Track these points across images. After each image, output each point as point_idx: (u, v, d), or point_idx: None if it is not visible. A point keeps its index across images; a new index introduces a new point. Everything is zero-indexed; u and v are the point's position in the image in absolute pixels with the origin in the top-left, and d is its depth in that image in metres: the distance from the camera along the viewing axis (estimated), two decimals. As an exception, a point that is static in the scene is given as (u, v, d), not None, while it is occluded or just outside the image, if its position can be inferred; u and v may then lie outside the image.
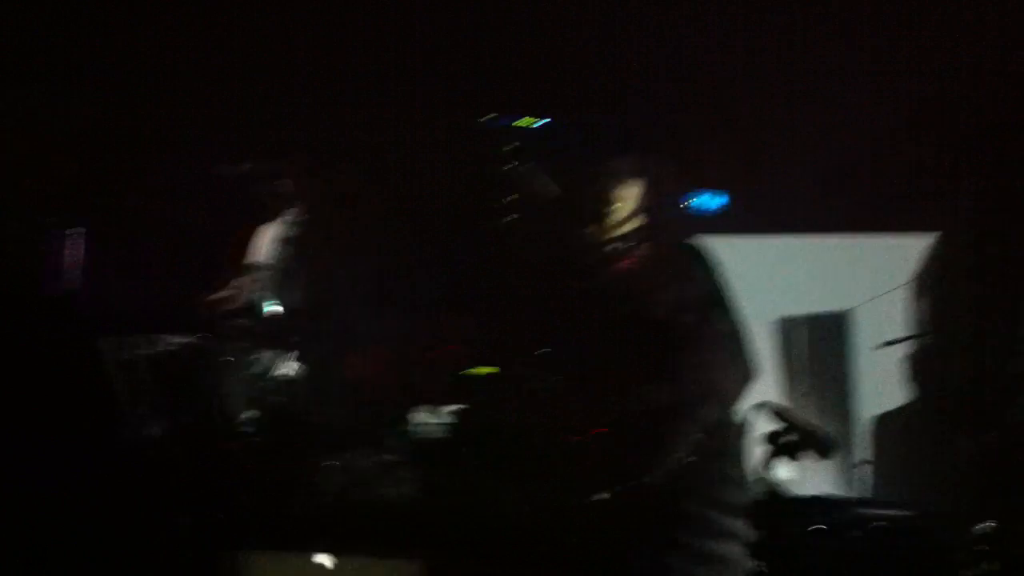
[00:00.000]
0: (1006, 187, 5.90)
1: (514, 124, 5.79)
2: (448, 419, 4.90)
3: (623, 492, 3.93)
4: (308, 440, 4.72)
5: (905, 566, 4.40)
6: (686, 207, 5.96)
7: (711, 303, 4.16)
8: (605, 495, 3.93)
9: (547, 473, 4.16)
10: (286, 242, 5.23)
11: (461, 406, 4.86)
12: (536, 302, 4.39)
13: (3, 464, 4.40)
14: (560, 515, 4.08)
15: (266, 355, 4.97)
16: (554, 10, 5.79)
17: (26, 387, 4.68)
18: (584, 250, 4.21)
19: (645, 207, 4.25)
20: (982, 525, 4.44)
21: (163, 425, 4.72)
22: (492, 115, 5.75)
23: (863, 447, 6.31)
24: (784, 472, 4.33)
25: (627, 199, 4.21)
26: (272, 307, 5.14)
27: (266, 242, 5.30)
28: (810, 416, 5.45)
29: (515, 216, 5.38)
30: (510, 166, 5.48)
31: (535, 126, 5.83)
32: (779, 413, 4.37)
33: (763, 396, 4.39)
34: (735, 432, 4.14)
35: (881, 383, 6.40)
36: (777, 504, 4.33)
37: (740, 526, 3.98)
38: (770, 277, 6.36)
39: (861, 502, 5.28)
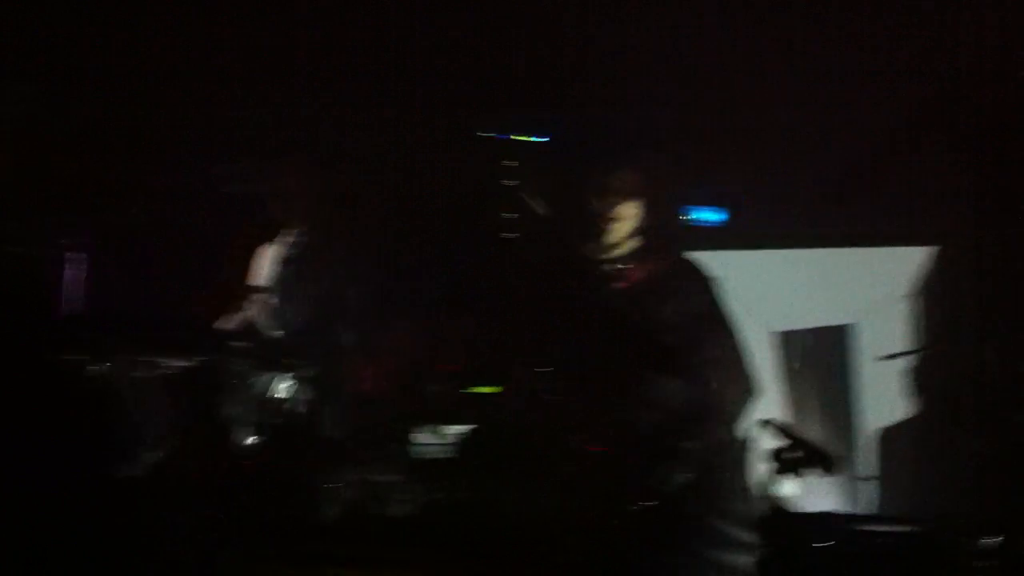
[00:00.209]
0: (1007, 190, 5.88)
1: (513, 138, 5.78)
2: (451, 435, 4.88)
3: (628, 508, 3.91)
4: (312, 458, 4.69)
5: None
6: (686, 221, 5.94)
7: (712, 317, 4.15)
8: (610, 510, 3.92)
9: (552, 488, 4.14)
10: (287, 259, 5.22)
11: (465, 422, 4.84)
12: (538, 317, 4.38)
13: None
14: (566, 530, 4.07)
15: (268, 374, 4.94)
16: (553, 20, 5.78)
17: (24, 409, 4.66)
18: (584, 266, 4.20)
19: (645, 221, 4.24)
20: (989, 539, 4.41)
21: (164, 447, 4.69)
22: (492, 130, 5.75)
23: (867, 462, 6.28)
24: (789, 489, 4.30)
25: (627, 214, 4.20)
26: (273, 325, 5.13)
27: (267, 259, 5.28)
28: (814, 431, 5.44)
29: (515, 232, 5.37)
30: (510, 181, 5.48)
31: (534, 140, 5.82)
32: (783, 429, 4.34)
33: (766, 412, 4.37)
34: (739, 449, 4.13)
35: (884, 395, 6.38)
36: (782, 521, 4.30)
37: (746, 543, 3.96)
38: (771, 290, 6.34)
39: (867, 518, 5.25)
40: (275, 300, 5.19)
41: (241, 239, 5.21)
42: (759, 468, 4.23)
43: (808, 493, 4.62)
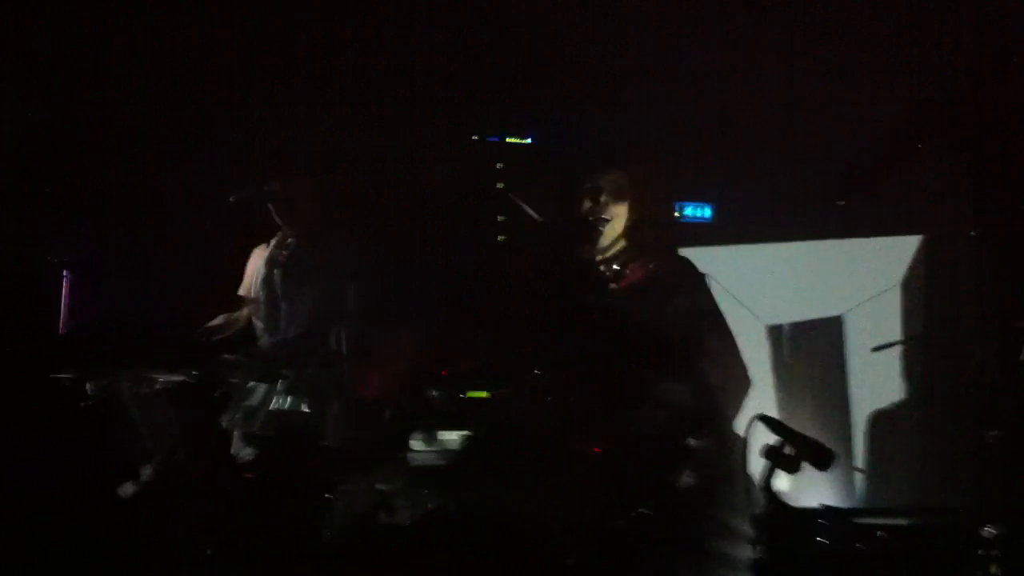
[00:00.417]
0: (1002, 186, 5.89)
1: (505, 141, 5.78)
2: (451, 440, 4.87)
3: (629, 508, 3.91)
4: (309, 468, 4.68)
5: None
6: (676, 219, 5.94)
7: (706, 315, 4.14)
8: (612, 511, 3.91)
9: (553, 490, 4.13)
10: (285, 265, 5.19)
11: (464, 427, 4.84)
12: (534, 320, 4.37)
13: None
14: (568, 531, 4.06)
15: (262, 386, 4.93)
16: (542, 23, 5.77)
17: (18, 424, 4.65)
18: (578, 267, 4.19)
19: (636, 221, 4.23)
20: (986, 529, 4.39)
21: (166, 456, 4.68)
22: (483, 132, 5.74)
23: (862, 455, 6.28)
24: (783, 485, 4.28)
25: (618, 214, 4.19)
26: (272, 332, 5.11)
27: (260, 267, 5.27)
28: (807, 425, 5.42)
29: (509, 234, 5.37)
30: (501, 184, 5.47)
31: (525, 143, 5.81)
32: (776, 425, 4.32)
33: (759, 408, 4.36)
34: (736, 445, 4.11)
35: (877, 387, 6.38)
36: (777, 517, 4.27)
37: (744, 539, 3.95)
38: (761, 285, 6.34)
39: (862, 511, 5.24)
40: (274, 307, 5.17)
41: (241, 247, 5.20)
42: (754, 464, 4.22)
43: (803, 488, 4.62)
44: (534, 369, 4.26)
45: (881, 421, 6.35)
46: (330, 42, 5.90)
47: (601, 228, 4.18)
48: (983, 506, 4.73)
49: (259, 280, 5.20)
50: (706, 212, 6.36)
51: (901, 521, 4.49)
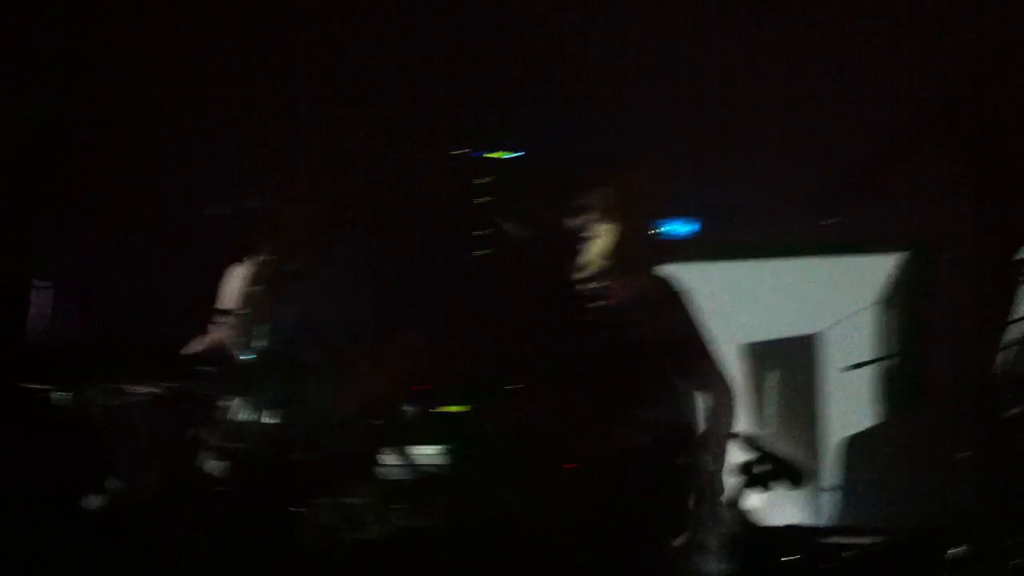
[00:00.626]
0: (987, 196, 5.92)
1: (488, 155, 5.78)
2: (427, 456, 4.88)
3: (605, 522, 3.94)
4: (289, 482, 4.68)
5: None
6: (658, 234, 5.96)
7: (689, 332, 4.18)
8: (588, 525, 3.94)
9: (531, 505, 4.15)
10: (263, 280, 5.19)
11: (440, 443, 4.85)
12: (515, 335, 4.38)
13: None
14: (544, 546, 4.08)
15: (245, 400, 4.92)
16: (526, 35, 5.79)
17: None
18: (561, 283, 4.21)
19: (620, 238, 4.26)
20: (954, 550, 4.46)
21: (143, 470, 4.67)
22: (466, 147, 5.74)
23: (835, 473, 6.31)
24: (757, 502, 4.33)
25: (602, 230, 4.21)
26: (250, 351, 5.09)
27: (242, 280, 5.26)
28: (782, 443, 5.46)
29: (491, 249, 5.37)
30: (484, 199, 5.48)
31: (509, 157, 5.82)
32: (751, 442, 4.37)
33: (736, 425, 4.40)
34: (714, 463, 4.15)
35: (852, 406, 6.41)
36: (750, 534, 4.33)
37: (713, 557, 3.99)
38: (739, 301, 6.36)
39: (834, 530, 5.29)
40: (254, 322, 5.16)
41: (228, 257, 5.19)
42: (728, 481, 4.26)
43: (777, 506, 4.66)
44: (513, 383, 4.28)
45: (853, 441, 6.38)
46: (318, 48, 5.90)
47: (586, 245, 4.20)
48: (954, 526, 4.77)
49: (240, 295, 5.19)
50: (690, 228, 6.38)
51: (869, 541, 4.55)
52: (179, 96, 5.77)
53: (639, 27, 5.91)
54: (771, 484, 4.28)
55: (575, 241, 4.21)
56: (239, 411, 4.83)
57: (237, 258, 5.26)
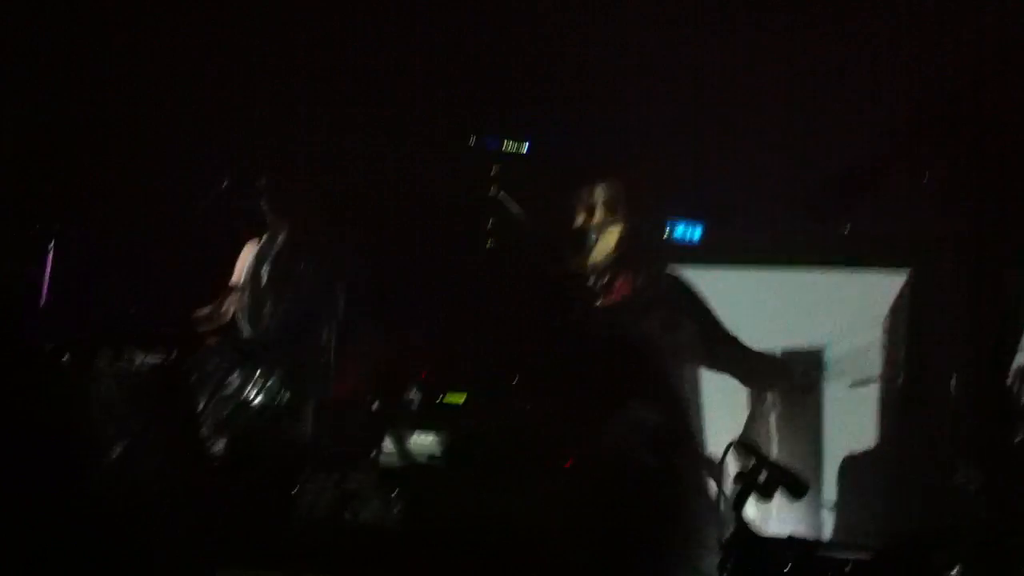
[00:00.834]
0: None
1: (498, 148, 5.76)
2: (426, 442, 4.85)
3: (598, 520, 3.90)
4: (287, 462, 4.65)
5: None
6: (664, 237, 5.92)
7: (709, 319, 4.16)
8: (580, 523, 3.90)
9: (526, 499, 4.12)
10: (267, 261, 5.18)
11: (439, 430, 4.82)
12: (517, 328, 4.36)
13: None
14: (537, 542, 4.05)
15: (242, 377, 4.91)
16: (536, 37, 5.76)
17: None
18: (565, 279, 4.19)
19: (625, 235, 4.23)
20: (956, 567, 4.40)
21: (138, 446, 4.65)
22: (475, 138, 5.72)
23: (836, 487, 6.26)
24: (755, 512, 4.27)
25: (609, 228, 4.19)
26: (251, 325, 5.09)
27: (247, 261, 5.25)
28: (782, 454, 5.42)
29: (496, 242, 5.35)
30: (492, 191, 5.45)
31: (518, 150, 5.79)
32: (751, 452, 4.32)
33: (734, 434, 4.35)
34: (707, 470, 4.11)
35: (854, 420, 6.37)
36: (749, 543, 4.27)
37: (711, 564, 3.94)
38: (743, 311, 6.32)
39: (829, 544, 5.23)
40: (258, 300, 5.16)
41: (226, 240, 5.18)
42: (727, 491, 4.21)
43: (775, 516, 4.60)
44: (514, 376, 4.26)
45: (854, 454, 6.34)
46: (325, 43, 5.89)
47: (592, 241, 4.18)
48: (953, 541, 4.72)
49: (247, 272, 5.20)
50: (696, 233, 6.33)
51: (867, 555, 4.49)
52: (181, 95, 5.75)
53: (641, 30, 5.88)
54: (770, 494, 4.23)
55: (579, 238, 4.18)
56: (238, 387, 4.82)
57: (242, 240, 5.26)
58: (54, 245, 5.11)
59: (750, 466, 4.23)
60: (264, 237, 5.27)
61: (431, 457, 4.84)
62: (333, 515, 4.58)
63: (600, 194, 4.25)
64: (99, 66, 5.69)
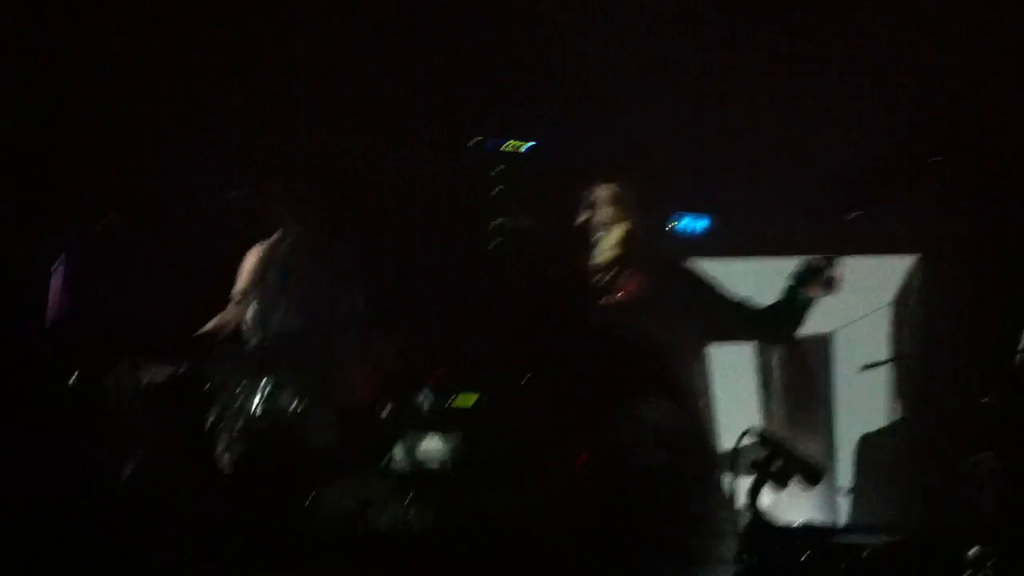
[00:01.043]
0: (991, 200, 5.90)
1: (501, 148, 5.76)
2: (437, 444, 4.86)
3: (610, 517, 3.90)
4: (299, 467, 4.66)
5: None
6: (670, 230, 5.92)
7: (718, 293, 4.16)
8: (593, 519, 3.91)
9: (535, 497, 4.12)
10: (275, 266, 5.18)
11: (452, 432, 4.83)
12: (526, 327, 4.36)
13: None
14: (549, 540, 4.05)
15: (256, 382, 4.91)
16: (539, 34, 5.77)
17: (13, 416, 4.63)
18: (573, 276, 4.18)
19: (631, 231, 4.23)
20: (973, 550, 4.39)
21: (150, 455, 4.66)
22: (479, 138, 5.72)
23: (851, 472, 6.27)
24: (771, 499, 4.27)
25: (613, 223, 4.18)
26: (262, 332, 5.08)
27: (255, 266, 5.25)
28: (796, 441, 5.41)
29: (503, 240, 5.35)
30: (497, 190, 5.45)
31: (522, 149, 5.80)
32: (766, 440, 4.31)
33: (749, 422, 4.35)
34: (721, 461, 4.11)
35: (866, 405, 6.37)
36: (764, 532, 4.26)
37: (727, 554, 3.94)
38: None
39: (846, 529, 5.23)
40: (265, 306, 5.16)
41: (235, 244, 5.19)
42: (742, 479, 4.21)
43: (791, 504, 4.60)
44: (524, 376, 4.26)
45: (867, 440, 6.34)
46: (329, 42, 5.89)
47: (598, 237, 4.17)
48: (970, 526, 4.72)
49: (256, 278, 5.20)
50: (702, 224, 6.34)
51: (885, 540, 4.49)
52: (187, 100, 5.77)
53: (643, 29, 5.89)
54: (785, 482, 4.22)
55: (586, 235, 4.18)
56: (252, 394, 4.83)
57: (250, 244, 5.27)
58: (65, 257, 5.12)
59: (764, 454, 4.23)
60: (273, 241, 5.27)
61: (444, 459, 4.85)
62: (349, 520, 4.59)
63: (604, 191, 4.23)
64: (105, 74, 5.70)
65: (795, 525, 4.66)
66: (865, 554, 4.33)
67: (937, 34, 5.76)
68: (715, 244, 6.25)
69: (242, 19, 5.65)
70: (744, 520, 4.16)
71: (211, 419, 4.88)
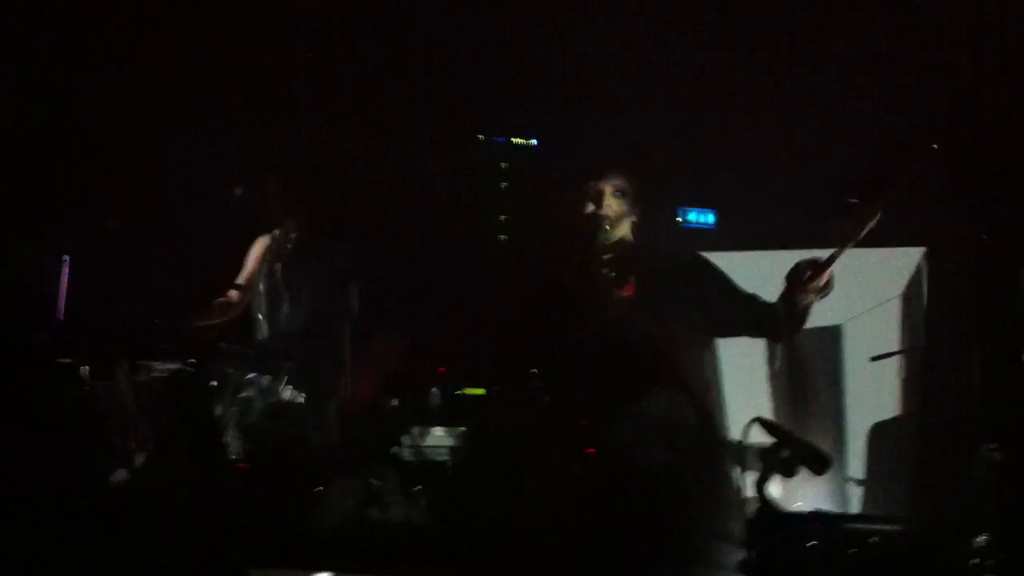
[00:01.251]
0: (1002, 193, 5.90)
1: (508, 142, 5.78)
2: (442, 439, 4.87)
3: (619, 509, 3.91)
4: (304, 463, 4.68)
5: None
6: (678, 223, 5.96)
7: (726, 284, 4.17)
8: (601, 512, 3.92)
9: (541, 492, 4.13)
10: (279, 262, 5.21)
11: (455, 426, 4.84)
12: (531, 321, 4.37)
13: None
14: (555, 534, 4.06)
15: (260, 378, 4.93)
16: (545, 31, 5.78)
17: (16, 415, 4.65)
18: (576, 271, 4.19)
19: (638, 224, 4.25)
20: (980, 538, 4.40)
21: (155, 452, 4.68)
22: (486, 134, 5.74)
23: (857, 462, 6.28)
24: (778, 488, 4.29)
25: (619, 216, 4.19)
26: (266, 328, 5.11)
27: (259, 263, 5.28)
28: (804, 431, 5.43)
29: (507, 235, 5.37)
30: (504, 185, 5.47)
31: (529, 144, 5.82)
32: (772, 429, 4.33)
33: (756, 411, 4.37)
34: (729, 448, 4.13)
35: (874, 396, 6.38)
36: (771, 521, 4.29)
37: (734, 543, 3.96)
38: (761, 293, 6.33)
39: (856, 518, 5.24)
40: (269, 302, 5.19)
41: (236, 241, 5.21)
42: (749, 468, 4.23)
43: (798, 493, 4.61)
44: (532, 368, 4.27)
45: (876, 430, 6.35)
46: (335, 40, 5.91)
47: (604, 233, 4.18)
48: (977, 515, 4.73)
49: (261, 272, 5.22)
50: (709, 218, 6.36)
51: (894, 528, 4.50)
52: (185, 94, 5.79)
53: (662, 27, 5.90)
54: (792, 471, 4.24)
55: (591, 230, 4.19)
56: (260, 389, 4.85)
57: (250, 242, 5.29)
58: (69, 256, 5.15)
59: (772, 443, 4.25)
60: (276, 236, 5.29)
61: (451, 452, 4.87)
62: (357, 514, 4.61)
63: (608, 185, 4.24)
64: (105, 74, 5.72)
65: (804, 512, 4.67)
66: (872, 543, 4.35)
67: (938, 33, 5.77)
68: (720, 238, 6.28)
69: (242, 19, 5.67)
70: (752, 510, 4.18)
71: (213, 417, 4.90)
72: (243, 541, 4.31)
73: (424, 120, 6.07)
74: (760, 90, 6.10)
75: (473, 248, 5.80)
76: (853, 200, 6.01)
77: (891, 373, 6.32)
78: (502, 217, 5.62)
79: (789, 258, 6.28)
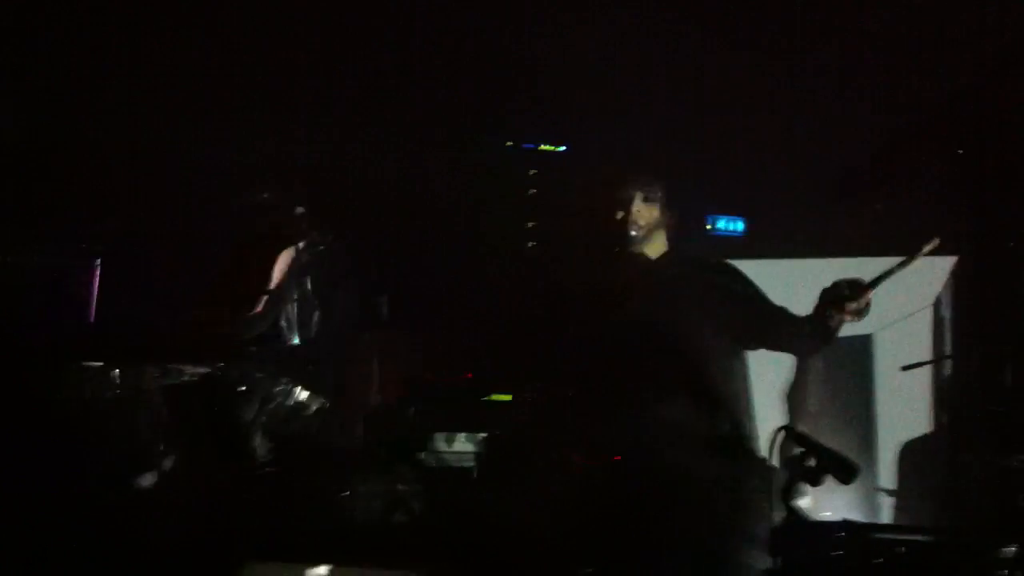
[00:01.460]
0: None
1: (536, 148, 5.78)
2: (468, 445, 4.88)
3: (644, 515, 3.91)
4: (325, 467, 4.70)
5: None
6: (707, 230, 5.95)
7: (754, 293, 4.16)
8: (626, 517, 3.92)
9: (561, 497, 4.14)
10: (301, 269, 5.23)
11: (478, 431, 4.85)
12: (558, 327, 4.37)
13: (15, 491, 4.40)
14: (574, 538, 4.06)
15: (287, 384, 4.96)
16: (568, 34, 5.78)
17: (39, 419, 4.68)
18: (605, 274, 4.19)
19: (665, 229, 4.25)
20: (1008, 549, 4.38)
21: (178, 455, 4.71)
22: (514, 140, 5.74)
23: (885, 472, 6.25)
24: (805, 497, 4.27)
25: (649, 222, 4.19)
26: (286, 333, 5.13)
27: (281, 269, 5.30)
28: (831, 440, 5.41)
29: (535, 241, 5.37)
30: (532, 191, 5.47)
31: (558, 150, 5.82)
32: (800, 438, 4.31)
33: (783, 420, 4.36)
34: (756, 457, 4.12)
35: (903, 406, 6.35)
36: (798, 529, 4.27)
37: (761, 551, 3.95)
38: (788, 301, 6.32)
39: (883, 527, 5.22)
40: (304, 308, 5.21)
41: (256, 246, 5.23)
42: (776, 476, 4.21)
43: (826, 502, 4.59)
44: (550, 376, 4.28)
45: (905, 440, 6.33)
46: (360, 44, 5.92)
47: (634, 238, 4.18)
48: (1006, 525, 4.70)
49: (289, 281, 5.24)
50: (738, 226, 6.35)
51: (921, 538, 4.48)
52: (195, 98, 5.81)
53: (687, 35, 5.90)
54: (819, 479, 4.22)
55: (621, 236, 4.19)
56: (288, 395, 4.87)
57: (283, 245, 5.30)
58: (101, 261, 5.18)
59: (799, 452, 4.23)
60: (304, 243, 5.31)
61: (477, 459, 4.87)
62: (381, 518, 4.62)
63: (639, 192, 4.24)
64: (106, 74, 5.75)
65: (831, 521, 4.66)
66: (898, 553, 4.33)
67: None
68: (749, 245, 6.26)
69: (252, 22, 5.68)
70: (779, 517, 4.17)
71: (248, 422, 4.92)
72: (261, 544, 4.33)
73: (454, 128, 6.08)
74: (794, 98, 6.10)
75: (501, 254, 5.80)
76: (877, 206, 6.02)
77: (922, 383, 6.29)
78: (530, 224, 5.63)
79: (815, 267, 6.33)
